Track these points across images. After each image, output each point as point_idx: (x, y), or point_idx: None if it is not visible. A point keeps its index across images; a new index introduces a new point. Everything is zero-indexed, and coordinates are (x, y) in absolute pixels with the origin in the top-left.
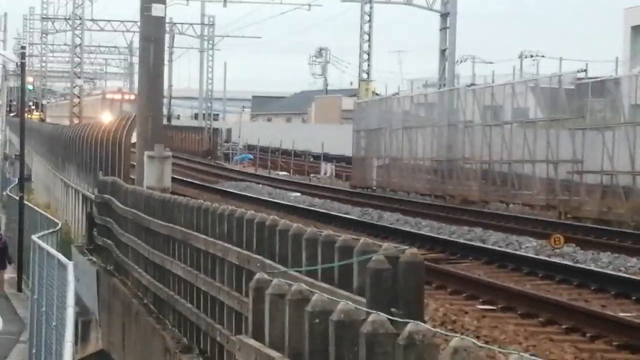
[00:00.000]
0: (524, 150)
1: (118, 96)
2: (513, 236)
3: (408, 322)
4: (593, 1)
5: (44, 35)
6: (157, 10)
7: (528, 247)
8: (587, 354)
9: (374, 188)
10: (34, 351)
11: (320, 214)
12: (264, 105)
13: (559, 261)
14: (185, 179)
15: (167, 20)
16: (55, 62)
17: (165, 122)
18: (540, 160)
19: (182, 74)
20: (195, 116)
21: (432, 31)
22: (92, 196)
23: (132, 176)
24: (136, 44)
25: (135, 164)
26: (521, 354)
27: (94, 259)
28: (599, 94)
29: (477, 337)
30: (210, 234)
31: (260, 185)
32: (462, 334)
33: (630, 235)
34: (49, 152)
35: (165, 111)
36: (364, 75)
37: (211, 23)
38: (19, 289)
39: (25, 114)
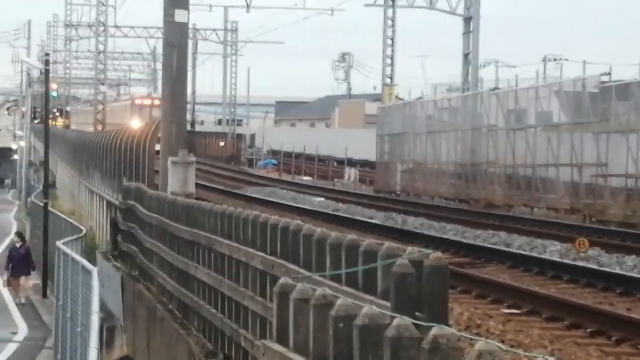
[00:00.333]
0: (548, 154)
1: (148, 101)
2: (537, 240)
3: (433, 326)
4: (617, 4)
5: (67, 42)
6: (180, 16)
7: (553, 250)
8: (612, 358)
9: (398, 193)
10: (59, 357)
11: (344, 218)
12: (287, 111)
13: (583, 265)
14: (209, 184)
15: (190, 26)
16: (79, 68)
17: (188, 127)
18: (565, 163)
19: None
20: (219, 122)
21: (456, 35)
22: (117, 202)
23: (156, 182)
24: (159, 50)
25: (159, 169)
26: (546, 357)
27: (119, 264)
28: (623, 97)
29: (502, 341)
30: (235, 239)
31: (284, 191)
32: (487, 338)
33: None
34: (73, 158)
35: (189, 117)
36: (388, 80)
37: (234, 29)
38: (44, 295)
39: (50, 121)
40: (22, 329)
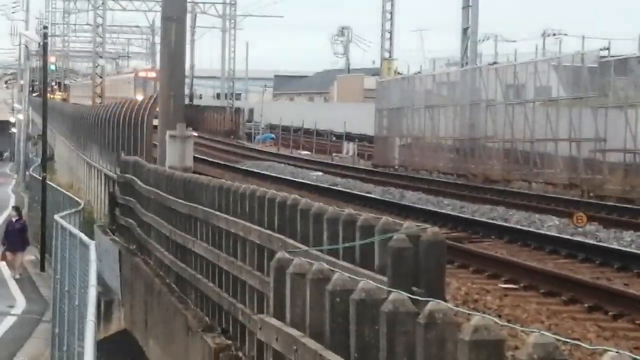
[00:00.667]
0: (546, 128)
1: (153, 74)
2: (535, 215)
3: (429, 301)
4: None
5: (66, 14)
6: None
7: (550, 225)
8: (609, 333)
9: (396, 167)
10: (56, 331)
11: (342, 193)
12: (286, 85)
13: (581, 240)
14: (207, 158)
15: None
16: (77, 42)
17: (187, 101)
18: (563, 138)
19: (204, 54)
20: (218, 96)
21: (455, 10)
22: (115, 176)
23: (154, 156)
24: (158, 23)
25: (157, 143)
26: (542, 332)
27: (117, 238)
28: (621, 72)
29: (499, 316)
30: (232, 213)
31: (283, 165)
32: (484, 313)
33: None
34: (71, 132)
35: (187, 91)
36: (386, 54)
37: (233, 2)
38: (42, 269)
39: (48, 94)
40: (20, 303)
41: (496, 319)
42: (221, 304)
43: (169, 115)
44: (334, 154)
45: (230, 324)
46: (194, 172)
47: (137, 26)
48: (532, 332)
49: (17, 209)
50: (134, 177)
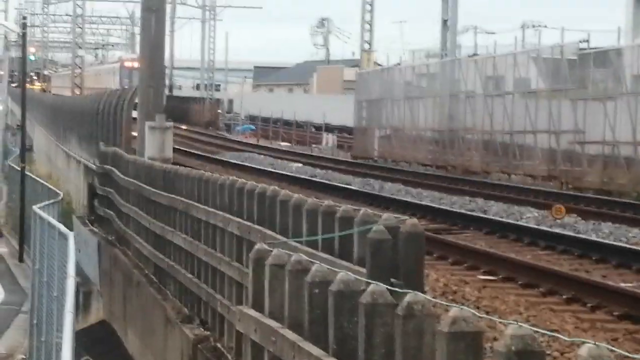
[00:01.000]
0: (525, 120)
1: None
2: (514, 206)
3: (407, 293)
4: None
5: (45, 5)
6: None
7: (529, 217)
8: (587, 324)
9: (376, 159)
10: (35, 321)
11: (322, 184)
12: (265, 76)
13: (560, 231)
14: (186, 149)
15: None
16: (57, 32)
17: (167, 92)
18: (542, 130)
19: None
20: (197, 87)
21: (434, 1)
22: (94, 167)
23: (133, 147)
24: (138, 14)
25: (136, 134)
26: (520, 323)
27: (95, 229)
28: (601, 64)
29: (478, 308)
30: (211, 204)
31: (262, 156)
32: (462, 304)
33: (631, 206)
34: (50, 122)
35: (167, 82)
36: (366, 46)
37: None
38: (21, 260)
39: (27, 85)
40: None
41: (474, 311)
42: (200, 295)
43: (148, 106)
44: (314, 145)
45: (209, 315)
46: (174, 163)
47: (117, 17)
48: (510, 323)
49: None
50: (112, 168)
